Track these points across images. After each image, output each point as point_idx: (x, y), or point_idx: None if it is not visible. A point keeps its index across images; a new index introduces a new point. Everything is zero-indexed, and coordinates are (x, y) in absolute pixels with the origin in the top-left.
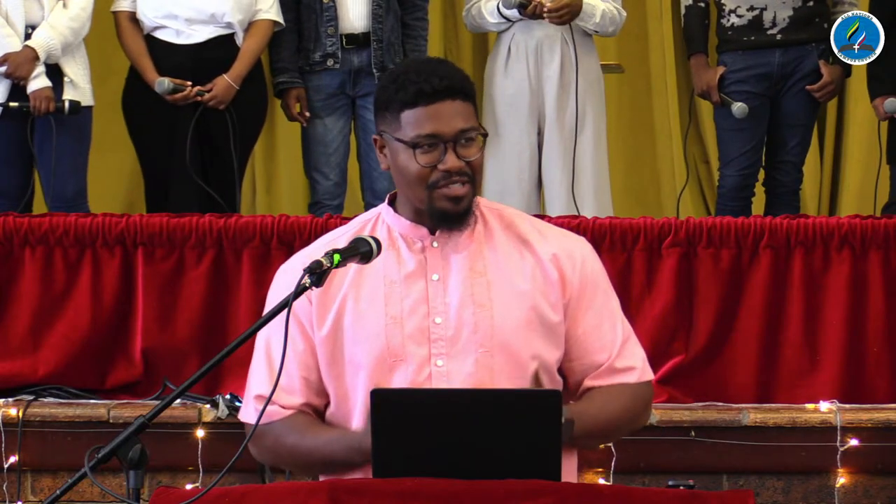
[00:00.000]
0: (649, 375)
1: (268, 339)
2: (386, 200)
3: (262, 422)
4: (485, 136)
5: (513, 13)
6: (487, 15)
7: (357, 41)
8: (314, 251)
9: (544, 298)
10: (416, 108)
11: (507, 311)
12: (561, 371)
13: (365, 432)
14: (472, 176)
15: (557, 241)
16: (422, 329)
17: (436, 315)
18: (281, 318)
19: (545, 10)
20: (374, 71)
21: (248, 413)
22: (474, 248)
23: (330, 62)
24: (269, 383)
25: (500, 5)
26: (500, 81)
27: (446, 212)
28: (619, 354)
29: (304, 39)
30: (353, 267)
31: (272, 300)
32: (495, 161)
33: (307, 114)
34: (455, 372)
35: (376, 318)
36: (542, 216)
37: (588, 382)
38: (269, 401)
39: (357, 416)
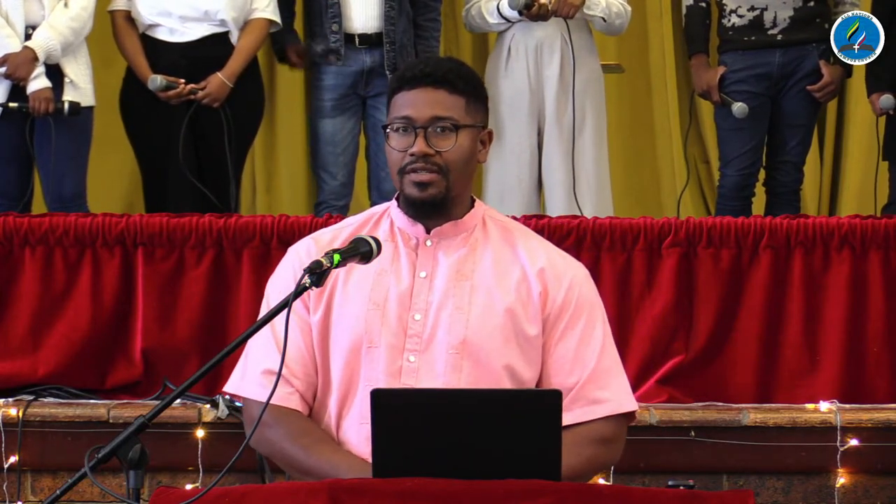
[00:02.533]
0: (625, 407)
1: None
2: (395, 194)
3: (264, 399)
4: (457, 128)
5: (513, 14)
6: (487, 15)
7: (370, 41)
8: (322, 236)
9: (524, 311)
10: (399, 94)
11: (483, 317)
12: None
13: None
14: (443, 167)
15: (549, 258)
16: (400, 321)
17: (416, 311)
18: (286, 295)
19: (548, 9)
20: (387, 72)
21: (250, 388)
22: (466, 252)
23: (332, 57)
24: (276, 358)
25: (502, 5)
26: (500, 82)
27: (413, 198)
28: (591, 380)
29: (309, 34)
30: None
31: (274, 281)
32: (496, 161)
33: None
34: (424, 370)
35: (360, 302)
36: (542, 216)
37: None
38: (276, 385)
39: (335, 398)
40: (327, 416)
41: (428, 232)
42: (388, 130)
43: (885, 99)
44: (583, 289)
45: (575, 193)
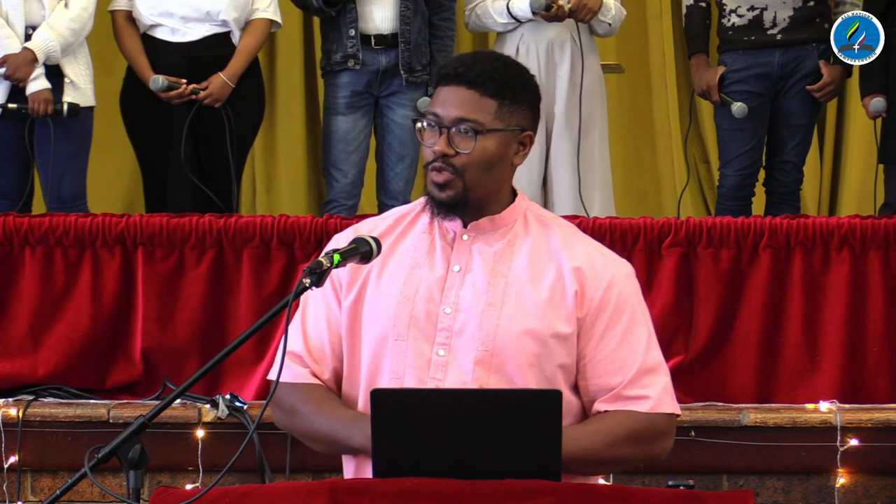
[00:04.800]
0: (668, 408)
1: (304, 303)
2: None
3: (288, 380)
4: (479, 132)
5: (526, 14)
6: (496, 15)
7: (385, 42)
8: (362, 226)
9: (557, 311)
10: (438, 88)
11: (515, 315)
12: (576, 391)
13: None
14: (459, 169)
15: (588, 257)
16: (430, 315)
17: (447, 305)
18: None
19: (565, 11)
20: (402, 72)
21: (274, 371)
22: (503, 248)
23: (350, 63)
24: (300, 342)
25: (514, 5)
26: None
27: (432, 196)
28: (634, 382)
29: (326, 40)
30: (386, 243)
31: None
32: None
33: None
34: (453, 365)
35: (391, 294)
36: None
37: (597, 406)
38: (280, 371)
39: (362, 389)
40: (360, 404)
41: (465, 226)
42: (418, 125)
43: (876, 102)
44: (623, 288)
45: (580, 194)
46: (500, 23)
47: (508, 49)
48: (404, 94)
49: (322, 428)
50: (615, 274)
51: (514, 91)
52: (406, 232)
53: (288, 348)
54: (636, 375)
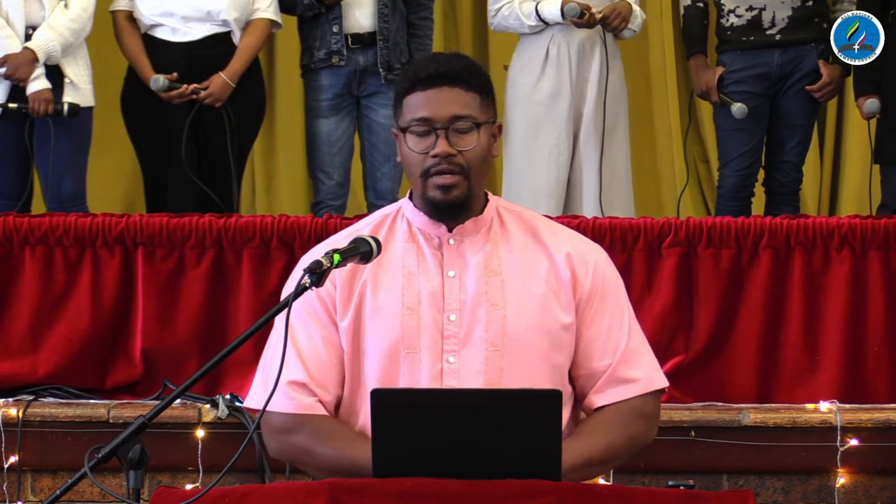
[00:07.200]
0: (657, 384)
1: (292, 330)
2: (408, 195)
3: (294, 412)
4: (478, 125)
5: (556, 18)
6: (524, 17)
7: (363, 41)
8: (337, 241)
9: (557, 300)
10: (413, 94)
11: (520, 311)
12: (570, 379)
13: None
14: (465, 167)
15: (572, 242)
16: (436, 323)
17: (450, 312)
18: (299, 305)
19: (597, 18)
20: (381, 70)
21: (276, 399)
22: (490, 247)
23: (335, 59)
24: (300, 369)
25: (544, 9)
26: (534, 83)
27: (436, 201)
28: (623, 362)
29: (307, 38)
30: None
31: (288, 289)
32: (530, 162)
33: None
34: (465, 369)
35: (392, 306)
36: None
37: (590, 398)
38: (274, 387)
39: (366, 406)
40: (360, 421)
41: (450, 230)
42: (405, 133)
43: (871, 103)
44: (606, 271)
45: (600, 196)
46: (527, 25)
47: (537, 50)
48: (384, 94)
49: (351, 464)
50: (598, 258)
51: (487, 84)
52: (388, 241)
53: (286, 377)
54: (624, 356)
